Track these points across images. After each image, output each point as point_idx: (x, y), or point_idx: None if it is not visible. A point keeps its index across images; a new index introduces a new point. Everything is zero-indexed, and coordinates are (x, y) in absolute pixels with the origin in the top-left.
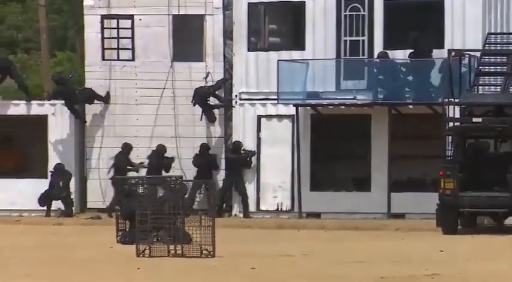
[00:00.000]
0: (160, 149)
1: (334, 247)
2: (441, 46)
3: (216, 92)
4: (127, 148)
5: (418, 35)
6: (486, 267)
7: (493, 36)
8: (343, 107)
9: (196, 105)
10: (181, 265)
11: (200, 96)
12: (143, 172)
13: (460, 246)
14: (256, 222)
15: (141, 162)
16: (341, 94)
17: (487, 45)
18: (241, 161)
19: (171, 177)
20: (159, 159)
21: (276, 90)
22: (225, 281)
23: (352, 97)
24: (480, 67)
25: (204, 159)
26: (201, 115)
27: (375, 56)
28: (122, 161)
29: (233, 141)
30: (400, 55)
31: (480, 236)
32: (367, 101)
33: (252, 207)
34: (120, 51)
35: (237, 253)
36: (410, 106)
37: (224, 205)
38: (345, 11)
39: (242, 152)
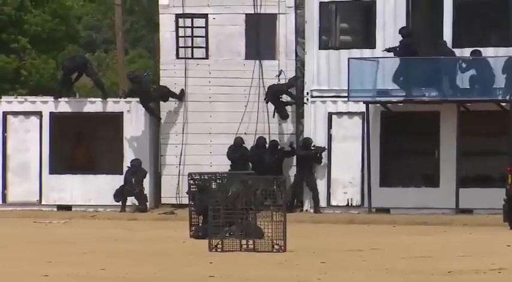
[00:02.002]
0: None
1: (403, 242)
2: (509, 44)
3: (289, 90)
4: (236, 142)
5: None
6: None
7: None
8: (412, 104)
9: (269, 103)
10: (253, 259)
11: (273, 94)
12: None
13: None
14: (327, 217)
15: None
16: (411, 91)
17: None
18: (312, 157)
19: (244, 173)
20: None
21: (346, 88)
22: (295, 275)
23: (421, 94)
24: None
25: (274, 157)
26: (274, 112)
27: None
28: (229, 154)
29: (303, 137)
30: (469, 53)
31: None
32: (436, 98)
33: (322, 202)
34: (194, 49)
35: (307, 248)
36: (479, 103)
37: (295, 201)
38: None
39: (312, 148)
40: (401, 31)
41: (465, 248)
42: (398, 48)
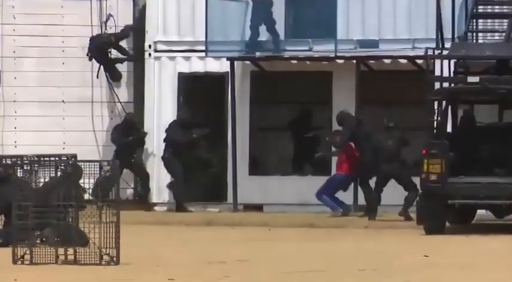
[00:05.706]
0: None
1: (281, 250)
2: None
3: (120, 43)
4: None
5: None
6: (483, 278)
7: None
8: (295, 61)
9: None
10: (73, 276)
11: (98, 47)
12: None
13: (448, 249)
14: (178, 218)
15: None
16: (293, 44)
17: None
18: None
19: (60, 157)
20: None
21: (203, 40)
22: None
23: (307, 48)
24: (479, 7)
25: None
26: (98, 71)
27: None
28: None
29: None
30: None
31: (476, 237)
32: (328, 53)
33: (166, 196)
34: None
35: (149, 259)
36: (386, 60)
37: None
38: None
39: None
40: None
41: (369, 259)
42: None
